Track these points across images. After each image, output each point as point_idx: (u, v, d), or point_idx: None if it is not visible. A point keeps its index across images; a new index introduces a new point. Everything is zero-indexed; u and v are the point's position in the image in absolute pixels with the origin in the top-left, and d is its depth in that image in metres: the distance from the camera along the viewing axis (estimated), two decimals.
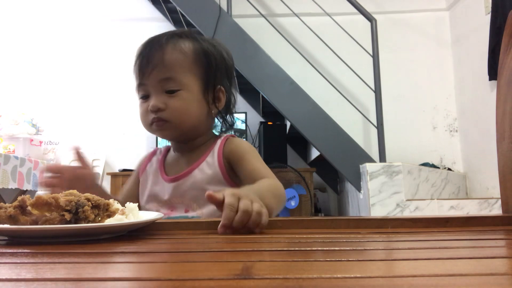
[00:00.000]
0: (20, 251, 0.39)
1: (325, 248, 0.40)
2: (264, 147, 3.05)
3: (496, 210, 2.18)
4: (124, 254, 0.39)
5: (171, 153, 0.95)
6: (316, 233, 0.52)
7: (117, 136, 3.49)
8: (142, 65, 0.84)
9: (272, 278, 0.25)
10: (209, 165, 0.86)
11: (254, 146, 3.37)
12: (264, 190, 0.71)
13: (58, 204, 0.47)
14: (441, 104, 3.37)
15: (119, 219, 0.51)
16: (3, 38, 3.65)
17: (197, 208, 0.84)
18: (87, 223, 0.47)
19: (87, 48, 3.61)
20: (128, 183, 0.98)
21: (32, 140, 3.04)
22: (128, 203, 0.55)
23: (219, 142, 0.89)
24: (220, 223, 0.53)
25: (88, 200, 0.48)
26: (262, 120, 3.42)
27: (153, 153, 0.98)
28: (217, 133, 0.95)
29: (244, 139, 0.94)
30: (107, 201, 0.50)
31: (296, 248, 0.39)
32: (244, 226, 0.53)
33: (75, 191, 0.49)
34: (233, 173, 0.87)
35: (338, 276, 0.26)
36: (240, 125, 3.26)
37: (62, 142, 3.43)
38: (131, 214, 0.54)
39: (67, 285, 0.25)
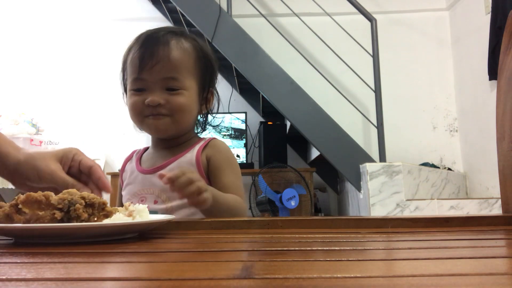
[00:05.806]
0: (20, 251, 0.39)
1: (325, 248, 0.40)
2: (264, 147, 3.05)
3: (496, 210, 2.18)
4: (123, 254, 0.39)
5: (149, 151, 0.96)
6: (316, 233, 0.52)
7: (117, 136, 3.49)
8: (143, 57, 0.80)
9: (272, 278, 0.25)
10: (186, 160, 0.86)
11: (254, 146, 3.39)
12: (225, 200, 0.77)
13: (49, 202, 0.45)
14: (441, 104, 3.37)
15: (125, 220, 0.49)
16: (3, 38, 3.64)
17: (167, 200, 0.84)
18: (80, 222, 0.45)
19: (87, 48, 3.60)
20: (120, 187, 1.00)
21: (32, 140, 3.04)
22: (137, 204, 0.53)
23: (201, 142, 0.90)
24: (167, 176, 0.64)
25: (83, 198, 0.46)
26: (262, 120, 3.42)
27: (133, 152, 1.00)
28: (197, 132, 0.96)
29: (226, 144, 0.96)
30: (103, 199, 0.48)
31: (296, 248, 0.39)
32: (183, 191, 0.64)
33: (74, 190, 0.47)
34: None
35: (338, 276, 0.26)
36: (240, 125, 3.26)
37: (62, 142, 3.43)
38: (139, 216, 0.51)
39: (67, 285, 0.25)
